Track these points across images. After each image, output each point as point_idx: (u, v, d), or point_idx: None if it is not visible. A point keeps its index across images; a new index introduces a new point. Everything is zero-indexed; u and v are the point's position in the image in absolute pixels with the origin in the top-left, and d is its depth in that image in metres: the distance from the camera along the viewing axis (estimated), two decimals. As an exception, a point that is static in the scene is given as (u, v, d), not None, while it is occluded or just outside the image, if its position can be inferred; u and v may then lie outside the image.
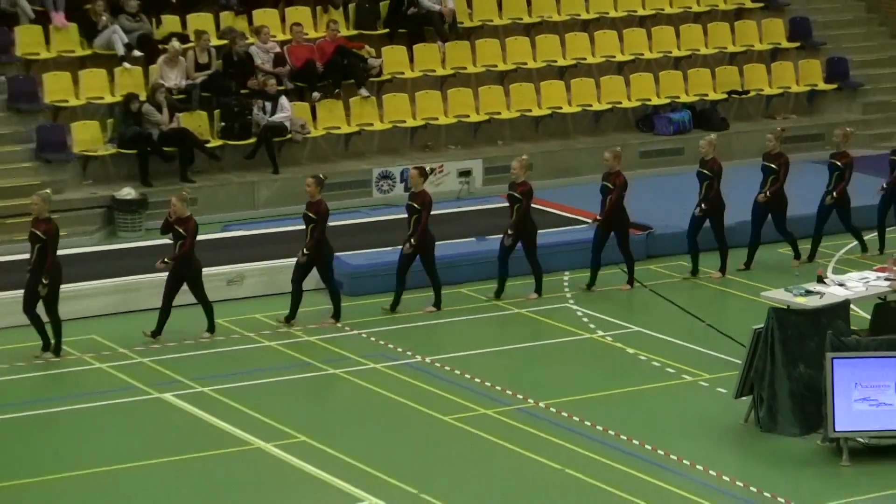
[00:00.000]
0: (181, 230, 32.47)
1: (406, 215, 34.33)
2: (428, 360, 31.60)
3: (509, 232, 34.86)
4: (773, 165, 36.38)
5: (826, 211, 37.21)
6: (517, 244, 35.08)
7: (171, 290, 32.97)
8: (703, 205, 36.08)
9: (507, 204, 35.33)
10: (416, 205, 34.03)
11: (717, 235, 36.43)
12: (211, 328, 33.31)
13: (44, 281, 31.37)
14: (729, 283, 36.09)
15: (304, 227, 34.05)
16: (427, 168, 36.12)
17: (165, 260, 32.56)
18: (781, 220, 36.75)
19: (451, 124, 43.71)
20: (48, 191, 32.60)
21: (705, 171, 36.22)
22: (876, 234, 37.82)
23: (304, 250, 33.53)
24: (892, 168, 37.41)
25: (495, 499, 25.83)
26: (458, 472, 26.83)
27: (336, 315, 34.14)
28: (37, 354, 32.19)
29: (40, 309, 31.99)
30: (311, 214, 33.49)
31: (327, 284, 34.27)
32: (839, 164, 36.83)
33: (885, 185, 37.50)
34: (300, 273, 33.81)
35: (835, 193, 36.91)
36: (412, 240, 33.96)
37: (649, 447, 27.34)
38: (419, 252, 34.39)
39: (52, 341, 32.21)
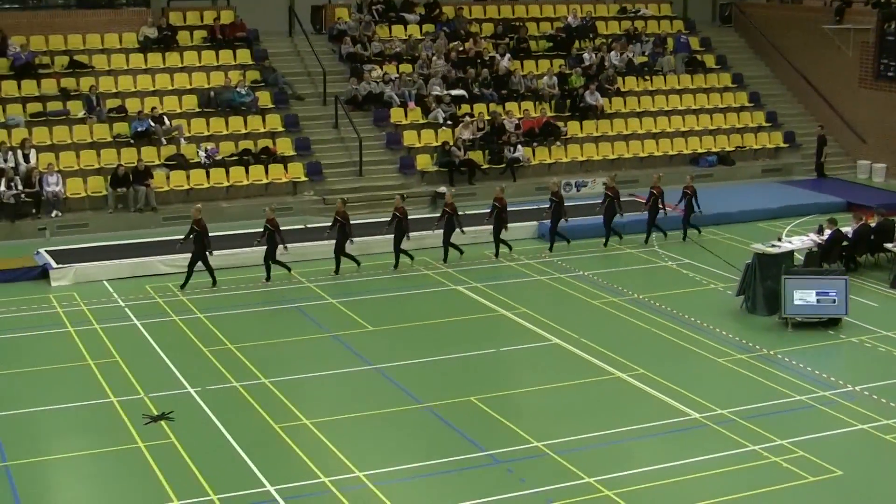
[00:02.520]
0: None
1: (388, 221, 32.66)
2: (585, 273, 31.83)
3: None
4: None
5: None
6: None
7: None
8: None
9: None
10: (398, 214, 32.09)
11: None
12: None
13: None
14: (721, 240, 35.64)
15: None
16: (405, 194, 35.34)
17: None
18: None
19: (598, 160, 43.42)
20: (199, 205, 31.61)
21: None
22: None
23: (328, 231, 31.63)
24: (683, 196, 35.29)
25: (619, 342, 26.23)
26: (600, 328, 27.38)
27: (339, 267, 31.59)
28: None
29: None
30: (338, 218, 31.32)
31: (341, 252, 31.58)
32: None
33: (675, 206, 35.55)
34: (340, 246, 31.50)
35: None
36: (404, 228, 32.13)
37: (692, 318, 27.74)
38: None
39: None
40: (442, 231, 32.88)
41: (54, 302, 29.23)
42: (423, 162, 41.20)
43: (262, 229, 30.73)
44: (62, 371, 24.59)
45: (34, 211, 35.79)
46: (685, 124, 46.01)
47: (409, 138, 41.99)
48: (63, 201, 36.33)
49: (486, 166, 41.46)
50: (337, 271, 31.63)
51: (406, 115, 42.72)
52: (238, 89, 40.77)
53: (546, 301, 29.54)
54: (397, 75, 43.89)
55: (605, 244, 34.71)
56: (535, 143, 42.76)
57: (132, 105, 39.78)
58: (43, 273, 31.04)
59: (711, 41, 50.90)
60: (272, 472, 19.60)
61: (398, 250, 32.20)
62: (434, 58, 44.80)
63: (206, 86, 41.37)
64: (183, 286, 30.13)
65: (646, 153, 44.31)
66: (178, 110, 40.38)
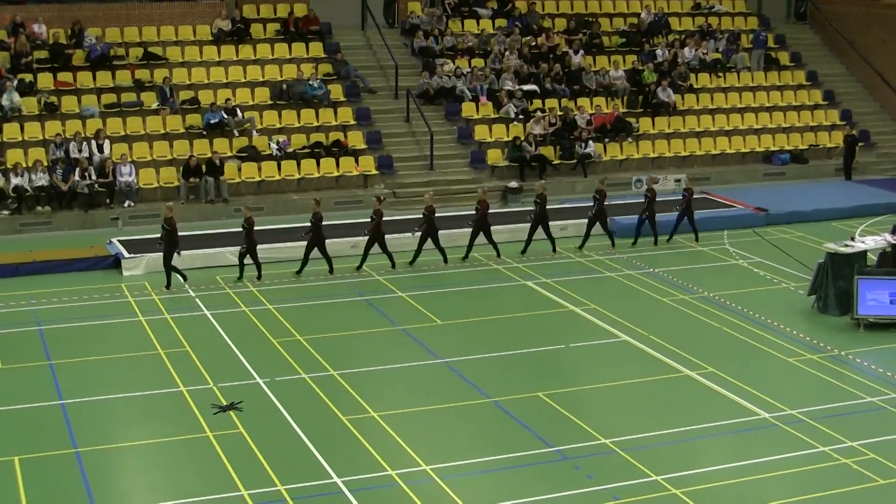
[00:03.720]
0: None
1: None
2: (655, 270, 31.71)
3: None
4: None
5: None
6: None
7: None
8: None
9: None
10: (374, 216, 31.12)
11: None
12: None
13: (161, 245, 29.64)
14: (793, 239, 35.25)
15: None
16: (382, 196, 33.24)
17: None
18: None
19: (671, 156, 43.24)
20: (171, 203, 31.85)
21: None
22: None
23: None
24: (683, 197, 34.45)
25: (688, 340, 26.14)
26: (670, 326, 27.31)
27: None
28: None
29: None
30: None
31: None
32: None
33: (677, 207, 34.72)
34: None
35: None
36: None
37: (762, 317, 27.59)
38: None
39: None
40: (419, 235, 31.80)
41: (126, 291, 29.50)
42: (494, 156, 41.17)
43: (240, 228, 30.65)
44: (133, 360, 24.84)
45: (107, 201, 36.19)
46: (758, 122, 45.67)
47: (481, 133, 41.97)
48: (136, 191, 36.68)
49: (557, 162, 41.36)
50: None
51: (478, 110, 42.72)
52: (310, 82, 40.97)
53: (616, 297, 29.40)
54: (469, 70, 43.95)
55: (581, 246, 33.68)
56: (606, 139, 42.60)
57: (205, 97, 40.11)
58: (115, 262, 31.38)
59: (786, 38, 50.49)
60: (339, 464, 19.68)
61: (368, 252, 31.35)
62: (506, 52, 44.79)
63: (279, 78, 41.60)
64: (168, 286, 29.77)
65: (718, 150, 44.05)
66: (251, 102, 40.64)
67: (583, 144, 41.55)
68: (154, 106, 39.31)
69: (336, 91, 41.71)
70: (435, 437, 21.00)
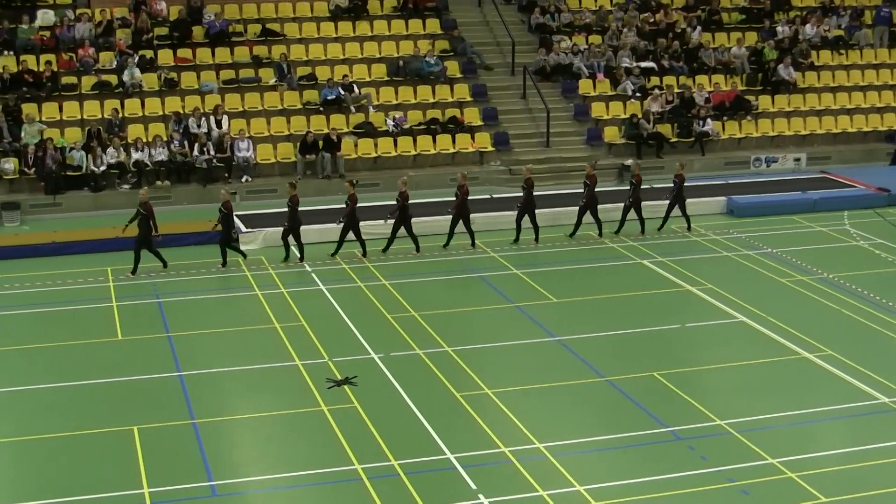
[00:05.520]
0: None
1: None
2: (774, 250, 31.31)
3: None
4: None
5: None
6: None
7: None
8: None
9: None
10: (349, 202, 30.06)
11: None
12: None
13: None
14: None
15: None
16: (355, 180, 31.83)
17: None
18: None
19: (790, 135, 42.59)
20: (145, 187, 31.80)
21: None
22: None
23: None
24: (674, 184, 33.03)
25: (807, 322, 25.82)
26: (788, 307, 27.02)
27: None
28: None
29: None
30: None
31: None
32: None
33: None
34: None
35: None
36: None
37: (883, 300, 27.20)
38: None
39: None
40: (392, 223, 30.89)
41: (243, 265, 29.87)
42: (611, 134, 40.98)
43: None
44: (249, 333, 25.19)
45: (225, 175, 36.64)
46: (881, 100, 44.83)
47: (597, 110, 41.79)
48: (253, 167, 37.12)
49: (674, 140, 41.06)
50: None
51: (594, 87, 42.51)
52: (427, 59, 41.07)
53: (732, 277, 29.17)
54: (586, 46, 43.76)
55: (600, 234, 32.61)
56: (724, 117, 42.17)
57: (322, 73, 40.38)
58: (233, 237, 31.78)
59: (911, 14, 49.61)
60: (452, 440, 19.79)
61: (358, 238, 30.57)
62: (624, 29, 44.50)
63: (395, 55, 41.75)
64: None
65: (839, 129, 43.34)
66: (367, 79, 40.85)
67: (701, 122, 41.21)
68: (272, 82, 39.70)
69: (452, 67, 41.76)
70: (548, 414, 21.02)
